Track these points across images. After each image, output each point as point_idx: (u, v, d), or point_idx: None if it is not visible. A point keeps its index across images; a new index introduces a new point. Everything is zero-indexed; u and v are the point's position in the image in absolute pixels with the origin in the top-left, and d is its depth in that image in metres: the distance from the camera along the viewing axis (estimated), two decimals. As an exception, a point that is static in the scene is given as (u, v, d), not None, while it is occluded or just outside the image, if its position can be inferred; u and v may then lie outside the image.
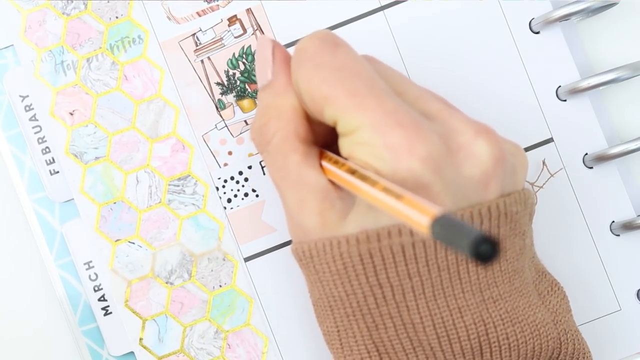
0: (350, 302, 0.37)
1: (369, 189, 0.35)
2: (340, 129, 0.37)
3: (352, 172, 0.36)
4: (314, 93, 0.37)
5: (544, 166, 0.44)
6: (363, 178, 0.35)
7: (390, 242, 0.36)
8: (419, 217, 0.32)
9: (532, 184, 0.45)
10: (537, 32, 0.45)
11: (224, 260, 0.44)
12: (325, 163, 0.38)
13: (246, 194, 0.44)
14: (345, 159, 0.37)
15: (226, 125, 0.45)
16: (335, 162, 0.37)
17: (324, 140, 0.39)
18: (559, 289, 0.40)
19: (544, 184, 0.45)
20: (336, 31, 0.45)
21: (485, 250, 0.28)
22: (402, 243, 0.36)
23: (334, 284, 0.37)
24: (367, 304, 0.37)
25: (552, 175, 0.44)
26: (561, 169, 0.45)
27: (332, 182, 0.38)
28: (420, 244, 0.36)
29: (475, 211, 0.36)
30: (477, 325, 0.37)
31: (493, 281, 0.37)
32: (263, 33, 0.45)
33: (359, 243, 0.36)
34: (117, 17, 0.44)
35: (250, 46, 0.44)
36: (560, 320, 0.39)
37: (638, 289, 0.45)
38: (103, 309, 0.44)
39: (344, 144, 0.37)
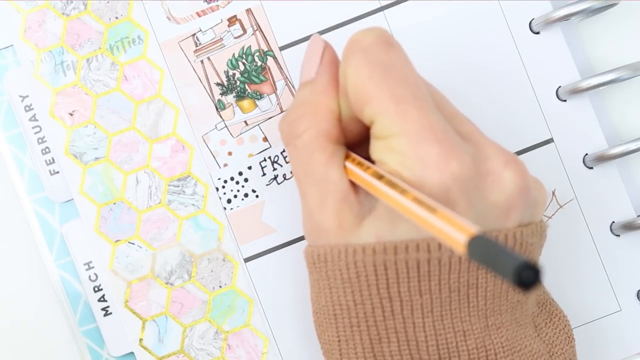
0: (357, 312, 0.37)
1: (398, 196, 0.35)
2: (375, 131, 0.37)
3: (379, 177, 0.36)
4: (359, 86, 0.37)
5: (554, 196, 0.45)
6: (391, 185, 0.35)
7: (407, 257, 0.36)
8: (454, 233, 0.32)
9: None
10: (537, 33, 0.45)
11: (224, 260, 0.44)
12: (349, 164, 0.38)
13: (246, 195, 0.44)
14: (372, 162, 0.37)
15: (226, 126, 0.45)
16: (360, 164, 0.37)
17: (353, 141, 0.39)
18: (559, 319, 0.40)
19: (552, 214, 0.45)
20: (336, 32, 0.45)
21: (527, 277, 0.28)
22: (418, 259, 0.36)
23: (344, 291, 0.37)
24: (374, 316, 0.37)
25: (561, 207, 0.45)
26: (571, 199, 0.45)
27: (353, 185, 0.38)
28: (435, 262, 0.36)
29: (493, 237, 0.36)
30: (479, 350, 0.37)
31: (498, 309, 0.37)
32: (263, 33, 0.45)
33: (375, 253, 0.36)
34: (116, 18, 0.44)
35: (250, 46, 0.44)
36: (557, 352, 0.39)
37: (638, 289, 0.45)
38: (103, 309, 0.44)
39: (376, 147, 0.37)
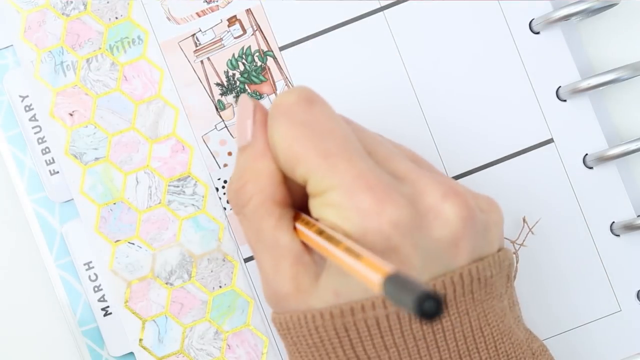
0: None
1: (332, 248, 0.34)
2: (310, 189, 0.37)
3: (320, 233, 0.36)
4: (287, 150, 0.37)
5: (525, 223, 0.45)
6: (329, 239, 0.35)
7: (365, 316, 0.35)
8: (372, 275, 0.31)
9: (514, 242, 0.45)
10: (537, 33, 0.45)
11: (224, 261, 0.44)
12: (298, 225, 0.38)
13: (246, 195, 0.44)
14: (316, 220, 0.37)
15: (226, 126, 0.45)
16: (307, 224, 0.37)
17: (301, 200, 0.39)
18: (546, 350, 0.40)
19: (524, 240, 0.45)
20: (336, 31, 0.45)
21: (429, 307, 0.28)
22: (376, 316, 0.35)
23: (312, 355, 0.37)
24: None
25: (530, 230, 0.44)
26: (539, 220, 0.45)
27: (305, 245, 0.37)
28: (394, 316, 0.36)
29: (447, 279, 0.36)
30: None
31: (475, 347, 0.37)
32: (263, 33, 0.45)
33: (333, 318, 0.36)
34: (116, 18, 0.44)
35: (250, 47, 0.44)
36: None
37: (638, 289, 0.45)
38: (103, 309, 0.44)
39: (313, 205, 0.37)
